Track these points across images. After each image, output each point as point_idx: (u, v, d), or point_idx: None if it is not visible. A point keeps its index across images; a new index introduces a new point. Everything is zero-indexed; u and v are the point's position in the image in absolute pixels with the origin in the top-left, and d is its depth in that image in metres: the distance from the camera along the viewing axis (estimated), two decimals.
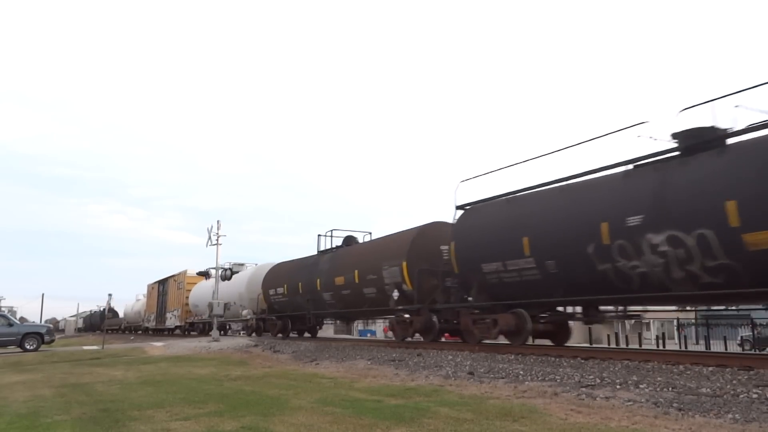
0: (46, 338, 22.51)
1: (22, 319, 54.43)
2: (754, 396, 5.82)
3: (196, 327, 33.63)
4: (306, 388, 8.16)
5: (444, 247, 14.26)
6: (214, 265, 25.41)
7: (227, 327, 34.23)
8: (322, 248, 20.43)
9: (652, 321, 34.18)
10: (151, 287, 44.47)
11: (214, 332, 23.20)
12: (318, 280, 19.10)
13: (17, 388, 9.54)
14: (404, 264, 14.53)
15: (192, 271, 34.44)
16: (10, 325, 22.17)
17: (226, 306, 25.37)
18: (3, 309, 51.99)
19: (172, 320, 36.95)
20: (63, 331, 77.29)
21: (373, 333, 44.34)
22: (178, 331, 36.64)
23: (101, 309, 37.94)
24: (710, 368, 7.73)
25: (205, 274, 30.58)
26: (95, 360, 16.21)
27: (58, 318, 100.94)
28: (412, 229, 15.67)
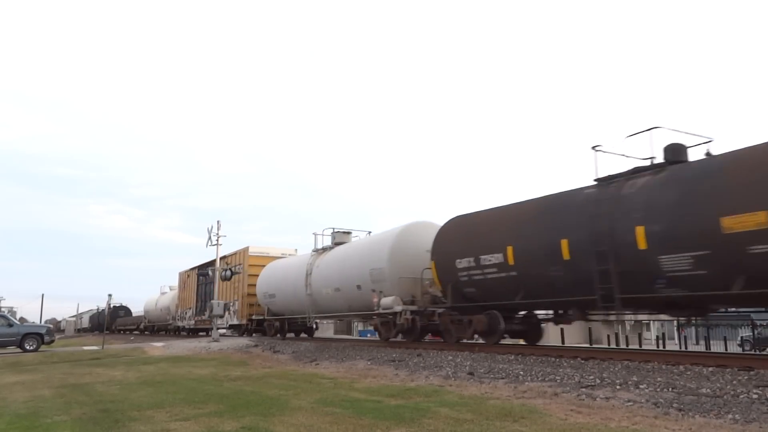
0: (46, 338, 22.50)
1: (21, 319, 54.50)
2: (754, 396, 5.82)
3: (269, 326, 23.79)
4: (306, 388, 8.16)
5: None
6: (214, 266, 25.35)
7: (313, 326, 24.07)
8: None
9: (652, 321, 34.00)
10: (185, 275, 35.12)
11: (214, 332, 23.18)
12: (637, 231, 9.26)
13: (17, 389, 9.53)
14: None
15: (258, 247, 25.82)
16: (10, 325, 22.17)
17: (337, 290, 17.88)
18: (3, 309, 52.03)
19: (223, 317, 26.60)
20: (63, 331, 77.23)
21: (374, 333, 42.53)
22: (231, 332, 27.66)
23: (110, 306, 34.35)
24: (710, 369, 7.73)
25: (204, 274, 30.19)
26: (95, 360, 16.20)
27: (59, 318, 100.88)
28: None
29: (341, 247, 19.55)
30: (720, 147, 10.95)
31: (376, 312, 15.97)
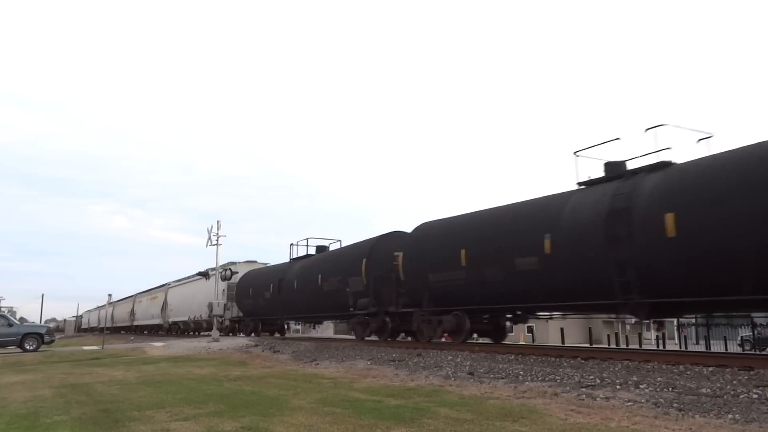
0: (46, 338, 22.55)
1: (21, 319, 54.46)
2: (755, 396, 5.81)
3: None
4: (306, 388, 8.15)
5: None
6: (214, 266, 25.30)
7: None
8: None
9: (652, 321, 33.92)
10: None
11: (214, 332, 23.18)
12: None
13: (17, 389, 9.52)
14: None
15: None
16: (10, 325, 22.20)
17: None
18: (3, 309, 51.98)
19: None
20: (62, 331, 77.17)
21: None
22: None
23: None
24: (710, 368, 7.73)
25: (204, 275, 29.94)
26: (95, 360, 16.19)
27: (61, 318, 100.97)
28: None
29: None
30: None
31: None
